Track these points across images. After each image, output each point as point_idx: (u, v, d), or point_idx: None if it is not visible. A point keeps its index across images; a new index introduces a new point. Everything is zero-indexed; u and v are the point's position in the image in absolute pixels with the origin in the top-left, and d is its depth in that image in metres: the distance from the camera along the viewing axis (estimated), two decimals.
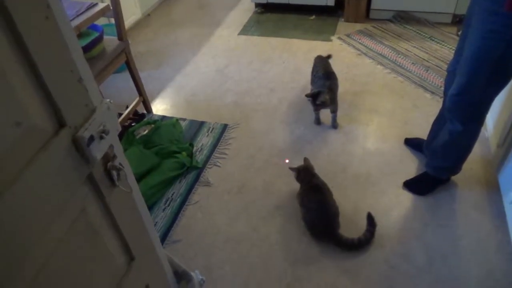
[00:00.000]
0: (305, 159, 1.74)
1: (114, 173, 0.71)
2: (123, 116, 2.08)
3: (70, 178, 0.63)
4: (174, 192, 1.85)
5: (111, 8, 1.87)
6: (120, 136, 2.05)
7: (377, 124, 2.17)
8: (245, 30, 3.23)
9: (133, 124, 2.20)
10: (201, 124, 2.24)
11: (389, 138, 2.06)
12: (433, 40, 2.86)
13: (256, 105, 2.38)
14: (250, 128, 2.20)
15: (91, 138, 0.64)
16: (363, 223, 1.61)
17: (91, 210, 0.70)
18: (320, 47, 2.85)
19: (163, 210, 1.78)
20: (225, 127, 2.21)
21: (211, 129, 2.20)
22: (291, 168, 1.70)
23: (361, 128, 2.15)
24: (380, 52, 2.78)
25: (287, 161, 1.95)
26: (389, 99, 2.33)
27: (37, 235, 0.58)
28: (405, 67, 2.60)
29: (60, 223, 0.63)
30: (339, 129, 2.13)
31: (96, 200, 0.71)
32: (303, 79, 2.56)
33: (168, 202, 1.81)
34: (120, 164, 0.72)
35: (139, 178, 1.83)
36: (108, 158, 0.70)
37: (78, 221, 0.67)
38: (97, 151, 0.66)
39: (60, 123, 0.60)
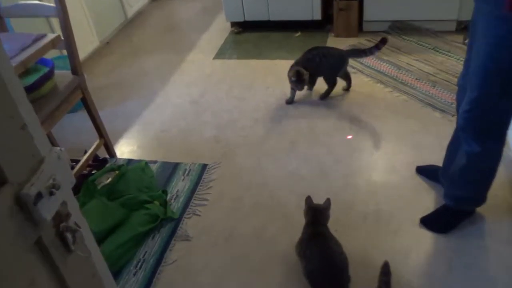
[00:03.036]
0: (311, 200, 1.70)
1: (69, 235, 0.69)
2: (81, 163, 2.07)
3: (14, 245, 0.62)
4: (146, 251, 1.82)
5: (63, 38, 1.90)
6: (79, 187, 2.03)
7: (383, 151, 2.20)
8: (221, 53, 3.31)
9: (93, 172, 2.18)
10: (176, 166, 2.24)
11: (398, 167, 2.08)
12: (437, 51, 2.97)
13: (239, 138, 2.40)
14: (234, 167, 2.21)
15: (39, 195, 0.63)
16: (376, 271, 1.58)
17: (42, 283, 0.68)
18: None
19: (134, 274, 1.73)
20: (204, 167, 2.21)
21: (187, 171, 2.20)
22: (307, 200, 1.69)
23: (364, 158, 2.17)
24: (379, 69, 2.86)
25: (349, 137, 2.26)
26: (394, 121, 2.38)
27: None
28: (409, 84, 2.67)
29: None
30: (339, 160, 2.16)
31: (47, 270, 0.69)
32: (292, 106, 2.62)
33: (139, 264, 1.77)
34: (75, 224, 0.71)
35: (104, 237, 1.79)
36: (60, 217, 0.69)
37: None
38: (47, 210, 0.64)
39: (1, 180, 0.60)
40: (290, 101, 2.63)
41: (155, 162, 2.27)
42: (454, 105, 2.41)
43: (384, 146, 2.23)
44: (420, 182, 1.98)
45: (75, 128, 2.61)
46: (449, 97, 2.51)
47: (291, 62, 3.08)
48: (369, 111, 2.48)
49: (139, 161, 2.27)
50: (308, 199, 1.68)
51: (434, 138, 2.21)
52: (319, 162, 2.17)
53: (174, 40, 3.65)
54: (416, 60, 2.90)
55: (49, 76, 1.91)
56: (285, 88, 2.77)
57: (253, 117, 2.56)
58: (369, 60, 2.94)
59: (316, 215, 1.63)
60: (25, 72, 1.87)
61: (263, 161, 2.22)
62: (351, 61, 2.82)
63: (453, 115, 2.33)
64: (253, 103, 2.69)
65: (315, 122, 2.46)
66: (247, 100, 2.72)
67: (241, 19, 3.52)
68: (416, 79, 2.71)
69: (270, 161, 2.22)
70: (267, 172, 2.15)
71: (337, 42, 3.21)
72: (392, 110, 2.47)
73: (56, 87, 1.95)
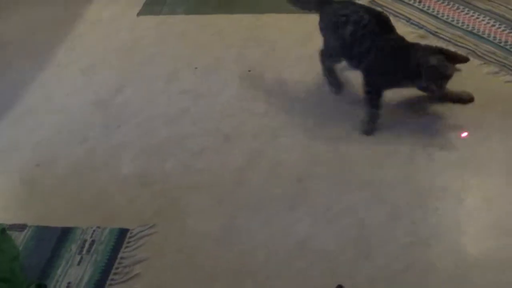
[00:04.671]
0: None
1: None
2: None
3: None
4: None
5: None
6: None
7: (486, 197, 2.17)
8: (154, 4, 3.31)
9: None
10: (64, 234, 2.22)
11: None
12: None
13: (192, 175, 2.39)
14: (181, 234, 2.19)
15: None
16: None
17: None
18: None
19: None
20: (121, 236, 2.19)
21: (88, 244, 2.18)
22: None
23: (449, 210, 2.14)
24: (469, 27, 2.85)
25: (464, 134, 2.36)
26: (504, 133, 2.37)
27: None
28: None
29: None
30: (396, 215, 2.13)
31: None
32: (298, 103, 2.60)
33: None
34: None
35: None
36: None
37: None
38: None
39: None
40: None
41: (22, 227, 2.25)
42: None
43: (484, 187, 2.21)
44: None
45: None
46: None
47: (295, 16, 3.06)
48: (455, 113, 2.47)
49: None
50: None
51: None
52: (356, 221, 2.14)
53: None
54: None
55: None
56: (282, 68, 2.77)
57: (220, 131, 2.54)
58: (450, 10, 2.95)
59: None
60: None
61: (241, 222, 2.19)
62: (414, 13, 2.79)
63: None
64: (220, 102, 2.67)
65: (347, 138, 2.44)
66: (208, 96, 2.71)
67: None
68: None
69: (255, 221, 2.19)
70: (251, 245, 2.11)
71: None
72: (500, 111, 2.45)
73: None
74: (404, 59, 2.31)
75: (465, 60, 2.28)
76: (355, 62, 2.45)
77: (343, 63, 2.56)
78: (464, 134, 2.30)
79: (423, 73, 2.25)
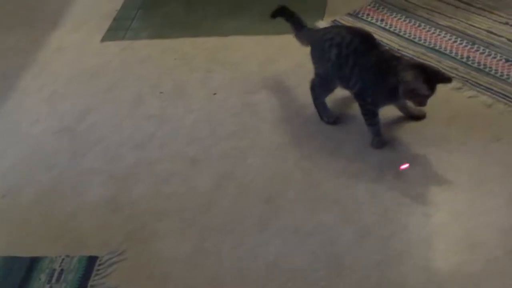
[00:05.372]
0: None
1: None
2: None
3: None
4: None
5: None
6: None
7: (450, 212, 2.17)
8: (118, 28, 3.30)
9: None
10: (33, 263, 2.18)
11: (482, 241, 2.05)
12: None
13: (160, 200, 2.36)
14: (151, 259, 2.16)
15: None
16: None
17: None
18: (296, 46, 2.85)
19: None
20: (91, 263, 2.16)
21: (57, 273, 2.14)
22: None
23: (414, 226, 2.14)
24: (431, 44, 2.87)
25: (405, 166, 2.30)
26: (470, 149, 2.36)
27: None
28: (493, 72, 2.67)
29: None
30: (364, 233, 2.12)
31: None
32: (264, 124, 2.60)
33: None
34: None
35: None
36: None
37: None
38: None
39: None
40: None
41: None
42: None
43: (451, 201, 2.21)
44: None
45: None
46: None
47: (260, 38, 3.04)
48: (418, 126, 2.48)
49: None
50: None
51: None
52: (326, 240, 2.13)
53: (21, 7, 3.63)
54: (506, 23, 2.93)
55: None
56: (248, 90, 2.77)
57: (187, 155, 2.52)
58: (410, 28, 2.98)
59: None
60: None
61: (210, 245, 2.17)
62: (375, 30, 2.81)
63: None
64: (186, 126, 2.66)
65: (315, 158, 2.43)
66: (174, 120, 2.69)
67: None
68: (507, 60, 2.72)
69: (225, 244, 2.17)
70: (222, 269, 2.09)
71: None
72: (464, 127, 2.46)
73: None
74: (385, 74, 2.29)
75: (446, 80, 2.27)
76: (345, 83, 2.43)
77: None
78: (404, 166, 2.30)
79: (399, 89, 2.23)
